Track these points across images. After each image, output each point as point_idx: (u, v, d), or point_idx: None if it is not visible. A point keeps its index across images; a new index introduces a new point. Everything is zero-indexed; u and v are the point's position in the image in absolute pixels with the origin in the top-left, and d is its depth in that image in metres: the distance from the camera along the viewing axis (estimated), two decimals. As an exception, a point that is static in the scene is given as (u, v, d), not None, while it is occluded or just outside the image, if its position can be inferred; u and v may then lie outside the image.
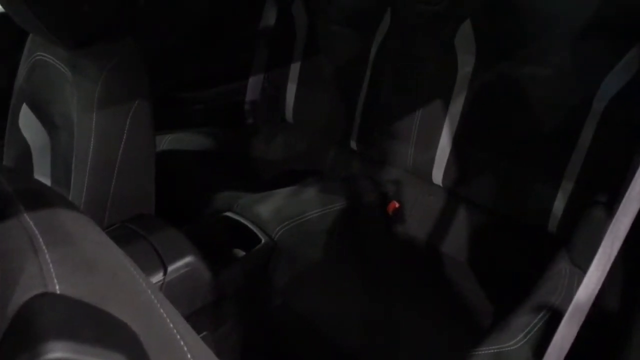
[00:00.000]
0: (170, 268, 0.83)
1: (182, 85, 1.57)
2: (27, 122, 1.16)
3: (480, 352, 0.75)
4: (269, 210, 1.10)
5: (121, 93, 0.95)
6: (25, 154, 1.16)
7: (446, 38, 1.23)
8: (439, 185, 1.26)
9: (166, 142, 1.49)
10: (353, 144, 1.47)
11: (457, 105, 1.23)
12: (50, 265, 0.32)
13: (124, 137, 0.96)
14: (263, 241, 1.02)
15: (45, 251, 0.34)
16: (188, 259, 0.86)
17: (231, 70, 1.66)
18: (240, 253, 1.03)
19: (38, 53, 1.07)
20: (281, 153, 1.64)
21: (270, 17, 1.65)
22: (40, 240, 0.35)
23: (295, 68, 1.62)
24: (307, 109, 1.62)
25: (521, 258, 1.15)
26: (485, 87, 1.19)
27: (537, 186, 1.14)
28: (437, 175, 1.25)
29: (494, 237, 1.21)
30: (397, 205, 1.26)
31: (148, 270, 0.82)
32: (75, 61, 0.97)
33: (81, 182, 0.95)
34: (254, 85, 1.69)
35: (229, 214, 1.11)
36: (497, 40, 1.18)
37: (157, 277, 0.82)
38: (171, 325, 0.33)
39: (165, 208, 1.15)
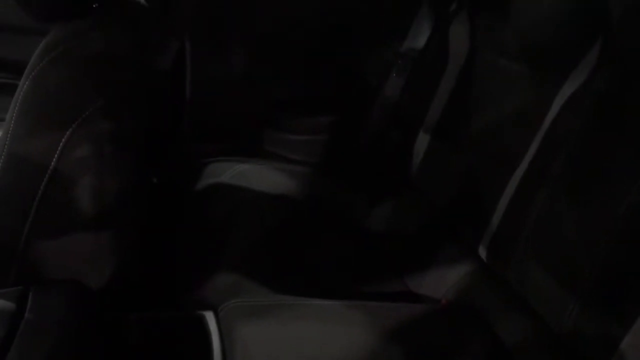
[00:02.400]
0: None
1: (274, 104, 1.19)
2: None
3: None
4: (258, 342, 0.63)
5: (62, 95, 0.60)
6: None
7: None
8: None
9: (231, 173, 1.12)
10: (482, 251, 0.89)
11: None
12: None
13: (53, 164, 0.60)
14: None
15: None
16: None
17: (347, 99, 1.22)
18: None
19: None
20: (385, 224, 1.14)
21: (419, 37, 1.16)
22: None
23: (435, 111, 1.11)
24: (436, 175, 1.09)
25: None
26: None
27: None
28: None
29: None
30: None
31: None
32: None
33: None
34: (374, 124, 1.22)
35: (207, 314, 0.68)
36: None
37: None
38: None
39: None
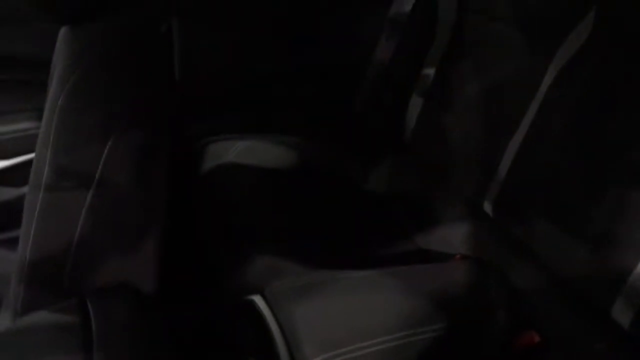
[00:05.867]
0: None
1: (267, 77, 1.19)
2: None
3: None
4: (312, 319, 0.68)
5: (96, 107, 0.60)
6: None
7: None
8: (622, 326, 0.72)
9: (235, 151, 1.13)
10: (487, 206, 0.97)
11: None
12: None
13: (100, 168, 0.61)
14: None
15: None
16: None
17: (339, 66, 1.23)
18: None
19: None
20: (384, 185, 1.20)
21: (406, 1, 1.18)
22: None
23: (427, 76, 1.15)
24: (433, 136, 1.14)
25: None
26: None
27: None
28: (627, 312, 0.71)
29: None
30: (536, 339, 0.76)
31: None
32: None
33: (28, 225, 0.63)
34: (367, 91, 1.25)
35: (255, 299, 0.72)
36: None
37: None
38: None
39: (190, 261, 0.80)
